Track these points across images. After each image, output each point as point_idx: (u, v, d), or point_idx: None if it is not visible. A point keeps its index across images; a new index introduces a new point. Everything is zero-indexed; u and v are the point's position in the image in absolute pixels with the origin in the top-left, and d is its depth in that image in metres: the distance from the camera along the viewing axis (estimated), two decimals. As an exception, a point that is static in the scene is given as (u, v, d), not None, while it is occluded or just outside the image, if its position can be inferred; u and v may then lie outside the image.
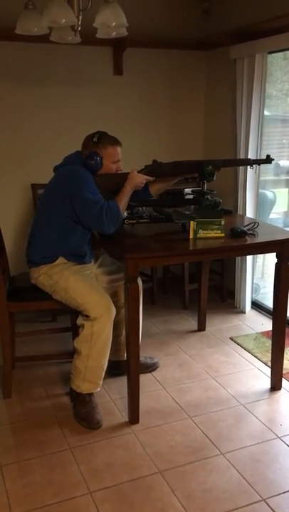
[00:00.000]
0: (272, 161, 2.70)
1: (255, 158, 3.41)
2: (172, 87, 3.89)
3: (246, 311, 3.74)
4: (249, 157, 3.40)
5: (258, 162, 2.76)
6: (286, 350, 2.79)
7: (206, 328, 3.46)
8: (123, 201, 2.46)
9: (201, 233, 2.46)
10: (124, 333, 2.61)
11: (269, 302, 3.65)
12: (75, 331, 2.60)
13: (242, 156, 3.48)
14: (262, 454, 2.22)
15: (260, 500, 1.96)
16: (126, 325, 2.38)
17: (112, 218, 2.38)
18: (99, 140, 2.49)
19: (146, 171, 2.59)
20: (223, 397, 2.67)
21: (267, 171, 3.75)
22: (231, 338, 3.33)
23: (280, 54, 3.44)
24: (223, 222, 2.48)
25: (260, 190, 3.61)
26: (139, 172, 2.55)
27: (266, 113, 3.49)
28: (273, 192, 3.88)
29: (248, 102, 3.36)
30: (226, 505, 1.94)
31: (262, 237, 2.55)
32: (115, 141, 2.54)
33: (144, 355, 2.93)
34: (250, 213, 3.51)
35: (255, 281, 3.81)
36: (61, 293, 2.47)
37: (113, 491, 2.01)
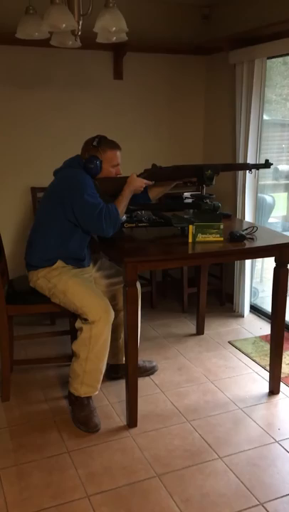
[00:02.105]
0: (271, 166, 2.71)
1: (254, 162, 3.42)
2: (172, 92, 3.90)
3: (245, 315, 3.75)
4: (248, 161, 3.41)
5: (257, 167, 2.77)
6: (284, 354, 2.79)
7: (205, 332, 3.47)
8: (122, 205, 2.47)
9: (200, 237, 2.46)
10: (122, 336, 2.62)
11: (268, 306, 3.66)
12: (73, 334, 2.60)
13: (241, 161, 3.49)
14: (260, 458, 2.22)
15: (258, 505, 1.96)
16: (124, 328, 2.38)
17: (111, 221, 2.39)
18: (99, 144, 2.51)
19: (145, 175, 2.60)
20: (221, 401, 2.67)
21: (266, 176, 3.76)
22: (230, 342, 3.33)
23: (280, 59, 3.45)
24: (222, 227, 2.48)
25: (259, 195, 3.62)
26: (138, 176, 2.56)
27: (265, 117, 3.50)
28: (272, 196, 3.89)
29: (247, 107, 3.38)
30: (223, 509, 1.94)
31: (261, 242, 2.55)
32: (115, 145, 2.55)
33: (143, 358, 2.94)
34: (249, 217, 3.52)
35: (253, 285, 3.81)
36: (60, 296, 2.47)
37: (111, 495, 2.01)
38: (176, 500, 1.98)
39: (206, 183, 2.61)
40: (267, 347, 3.08)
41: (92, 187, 2.44)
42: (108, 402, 2.66)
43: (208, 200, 2.66)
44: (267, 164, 2.68)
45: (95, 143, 2.51)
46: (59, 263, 2.52)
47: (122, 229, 2.61)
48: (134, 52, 3.57)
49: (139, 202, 2.69)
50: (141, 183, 2.55)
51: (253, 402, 2.66)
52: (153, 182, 2.63)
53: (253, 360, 3.09)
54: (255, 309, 3.81)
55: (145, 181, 2.57)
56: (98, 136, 2.55)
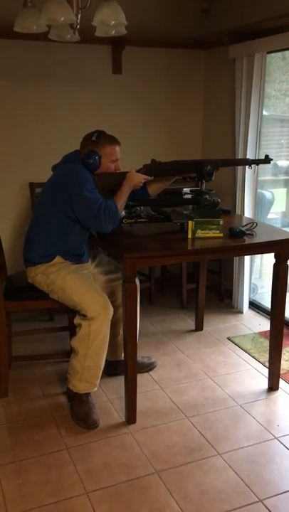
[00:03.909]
0: (271, 161, 2.70)
1: (253, 158, 3.40)
2: (171, 86, 3.88)
3: (244, 311, 3.74)
4: (248, 157, 3.40)
5: (257, 162, 2.76)
6: (284, 350, 2.78)
7: (204, 328, 3.46)
8: (121, 200, 2.46)
9: (200, 233, 2.45)
10: (121, 332, 2.61)
11: (267, 302, 3.65)
12: (72, 330, 2.59)
13: (240, 156, 3.48)
14: (259, 454, 2.22)
15: (257, 501, 1.96)
16: (123, 325, 2.37)
17: (110, 217, 2.37)
18: (98, 139, 2.49)
19: (144, 170, 2.58)
20: (220, 397, 2.67)
21: (265, 171, 3.75)
22: (229, 338, 3.33)
23: (279, 54, 3.44)
24: (221, 222, 2.47)
25: (259, 190, 3.61)
26: (137, 171, 2.54)
27: (265, 113, 3.49)
28: (271, 192, 3.88)
29: (246, 102, 3.36)
30: (222, 506, 1.93)
31: (260, 238, 2.54)
32: (114, 140, 2.53)
33: (142, 354, 2.93)
34: (248, 213, 3.50)
35: (252, 281, 3.80)
36: (58, 292, 2.46)
37: (110, 492, 2.01)
38: (175, 496, 1.98)
39: (206, 178, 2.60)
40: (266, 343, 3.07)
41: (91, 182, 2.43)
42: (107, 398, 2.65)
43: (207, 196, 2.64)
44: (267, 159, 2.67)
45: (94, 138, 2.49)
46: (57, 259, 2.51)
47: (121, 224, 2.59)
48: (133, 47, 3.54)
49: (139, 197, 2.67)
50: (140, 178, 2.53)
51: (252, 398, 2.66)
52: (152, 177, 2.61)
53: (252, 357, 3.08)
54: (254, 305, 3.81)
55: (144, 177, 2.55)
56: (97, 131, 2.53)
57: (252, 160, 2.79)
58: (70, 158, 2.55)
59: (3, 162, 3.46)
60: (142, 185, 2.56)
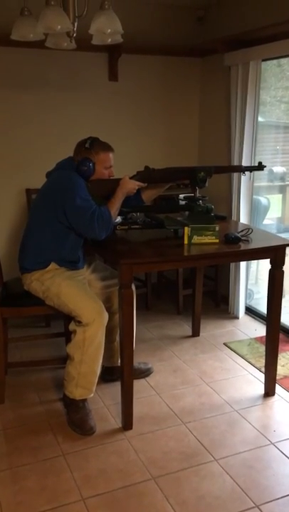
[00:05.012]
0: (265, 168, 2.71)
1: (249, 164, 3.42)
2: (167, 94, 3.90)
3: (240, 317, 3.75)
4: (243, 163, 3.41)
5: (250, 169, 2.78)
6: (280, 355, 2.80)
7: (200, 334, 3.47)
8: (115, 207, 2.47)
9: (196, 239, 2.46)
10: (117, 338, 2.61)
11: (263, 308, 3.66)
12: (68, 336, 2.59)
13: (236, 162, 3.50)
14: (255, 460, 2.22)
15: (254, 507, 1.96)
16: (120, 330, 2.37)
17: (103, 224, 2.38)
18: (91, 146, 2.50)
19: (138, 177, 2.59)
20: (216, 403, 2.67)
21: (261, 177, 3.77)
22: (225, 344, 3.33)
23: (274, 61, 3.46)
24: (217, 228, 2.48)
25: (254, 197, 3.63)
26: (130, 178, 2.55)
27: (260, 119, 3.51)
28: (267, 198, 3.89)
29: (242, 109, 3.38)
30: (219, 511, 1.93)
31: (256, 244, 2.56)
32: (107, 147, 2.54)
33: (138, 360, 2.93)
34: (244, 219, 3.52)
35: (248, 287, 3.82)
36: (54, 299, 2.46)
37: (106, 498, 2.00)
38: (172, 502, 1.98)
39: (199, 185, 2.62)
40: (262, 348, 3.08)
41: (84, 189, 2.43)
42: (103, 404, 2.65)
43: (200, 202, 2.66)
44: (260, 166, 2.69)
45: (87, 145, 2.50)
46: (52, 265, 2.51)
47: (115, 231, 2.60)
48: (129, 54, 3.56)
49: (132, 204, 2.68)
50: (133, 185, 2.54)
51: (248, 404, 2.66)
52: (146, 184, 2.62)
53: (248, 362, 3.09)
54: (250, 311, 3.82)
55: (138, 183, 2.56)
56: (90, 137, 2.54)
57: (245, 167, 2.81)
58: (63, 165, 2.56)
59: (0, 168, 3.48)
60: (135, 191, 2.57)
